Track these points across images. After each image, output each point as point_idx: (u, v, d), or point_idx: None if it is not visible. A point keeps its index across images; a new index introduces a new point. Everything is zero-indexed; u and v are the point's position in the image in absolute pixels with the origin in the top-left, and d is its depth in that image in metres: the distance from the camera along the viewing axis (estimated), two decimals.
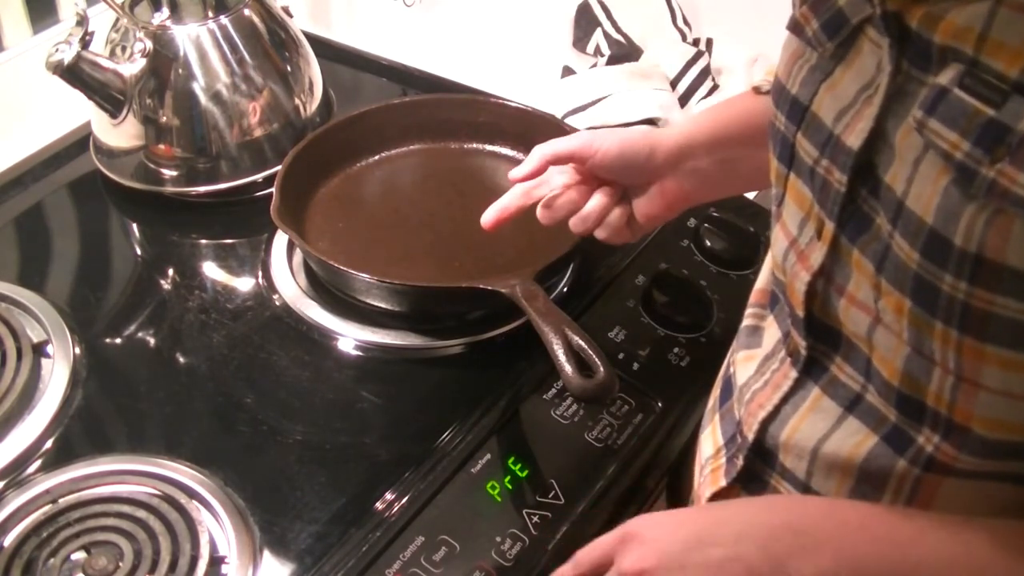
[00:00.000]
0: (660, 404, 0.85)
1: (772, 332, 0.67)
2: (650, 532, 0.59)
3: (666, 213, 0.80)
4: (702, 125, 0.79)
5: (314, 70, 1.13)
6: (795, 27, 0.58)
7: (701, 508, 0.63)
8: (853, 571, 0.54)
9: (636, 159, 0.77)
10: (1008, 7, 0.45)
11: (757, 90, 0.78)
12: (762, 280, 0.74)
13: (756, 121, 0.73)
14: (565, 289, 0.94)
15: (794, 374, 0.62)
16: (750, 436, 0.65)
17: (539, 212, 0.79)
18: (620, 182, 0.79)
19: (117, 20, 1.02)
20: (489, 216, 0.80)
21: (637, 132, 0.79)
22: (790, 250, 0.61)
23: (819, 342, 0.60)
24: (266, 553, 0.73)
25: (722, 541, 0.56)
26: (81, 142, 1.12)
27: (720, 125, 0.78)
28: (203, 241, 1.04)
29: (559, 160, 0.79)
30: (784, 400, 0.63)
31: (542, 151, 0.78)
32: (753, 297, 0.74)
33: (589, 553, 0.62)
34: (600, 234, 0.80)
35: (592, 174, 0.79)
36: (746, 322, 0.73)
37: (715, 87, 1.23)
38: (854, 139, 0.53)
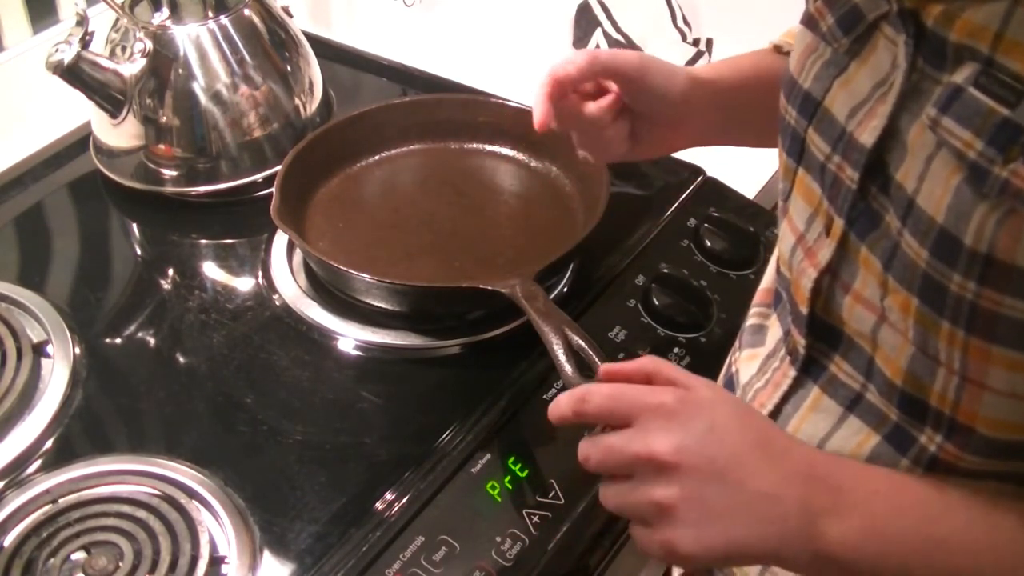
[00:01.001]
0: None
1: (775, 331, 0.67)
2: (700, 421, 0.53)
3: (654, 150, 0.77)
4: (734, 74, 0.76)
5: (314, 70, 1.13)
6: (809, 22, 0.58)
7: (751, 424, 0.55)
8: (877, 540, 0.53)
9: (671, 99, 0.73)
10: None
11: (778, 49, 0.77)
12: (767, 279, 0.74)
13: (777, 78, 0.72)
14: (565, 289, 0.94)
15: (793, 373, 0.62)
16: None
17: (545, 98, 0.71)
18: (633, 106, 0.75)
19: (117, 20, 1.02)
20: (540, 118, 0.71)
21: (679, 76, 0.74)
22: (797, 246, 0.61)
23: (818, 340, 0.60)
24: (266, 553, 0.73)
25: (765, 477, 0.53)
26: (81, 142, 1.12)
27: (746, 76, 0.77)
28: (203, 241, 1.03)
29: (609, 75, 0.73)
30: (784, 399, 0.63)
31: (599, 62, 0.72)
32: (757, 296, 0.74)
33: (621, 396, 0.55)
34: (578, 139, 0.76)
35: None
36: (750, 321, 0.73)
37: None
38: (867, 136, 0.52)
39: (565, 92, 0.71)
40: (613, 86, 0.73)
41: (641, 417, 0.54)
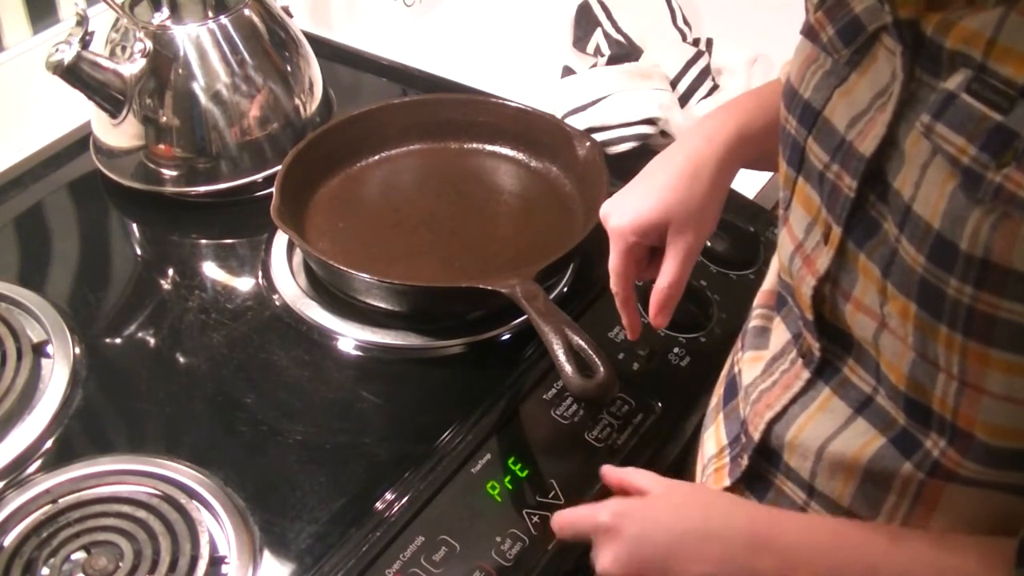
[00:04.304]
0: (660, 404, 0.85)
1: (779, 333, 0.67)
2: (630, 529, 0.61)
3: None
4: (764, 118, 0.74)
5: (314, 70, 1.12)
6: (810, 32, 0.58)
7: (685, 513, 0.62)
8: None
9: (704, 211, 0.74)
10: (1019, 12, 0.45)
11: None
12: (768, 282, 0.74)
13: None
14: (565, 289, 0.94)
15: (806, 375, 0.62)
16: (755, 436, 0.65)
17: (627, 312, 0.79)
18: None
19: (117, 20, 1.02)
20: (635, 331, 0.81)
21: (700, 181, 0.73)
22: (796, 254, 0.61)
23: (832, 344, 0.60)
24: (266, 553, 0.73)
25: (705, 558, 0.59)
26: (81, 142, 1.12)
27: (771, 119, 0.73)
28: (203, 241, 1.03)
29: (646, 240, 0.75)
30: (793, 400, 0.63)
31: (635, 249, 0.75)
32: (759, 298, 0.74)
33: (572, 522, 0.65)
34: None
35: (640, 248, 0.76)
36: (753, 323, 0.72)
37: (715, 87, 1.23)
38: (867, 145, 0.53)
39: (631, 289, 0.78)
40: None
41: (594, 537, 0.63)
